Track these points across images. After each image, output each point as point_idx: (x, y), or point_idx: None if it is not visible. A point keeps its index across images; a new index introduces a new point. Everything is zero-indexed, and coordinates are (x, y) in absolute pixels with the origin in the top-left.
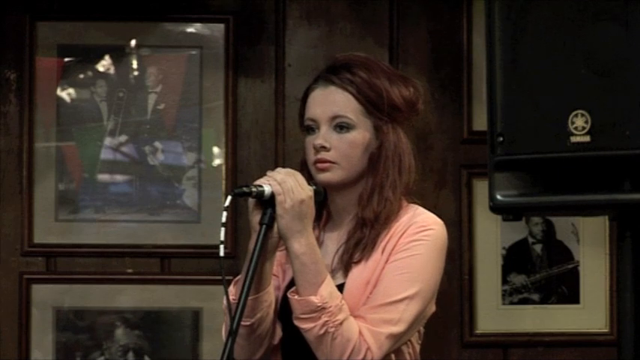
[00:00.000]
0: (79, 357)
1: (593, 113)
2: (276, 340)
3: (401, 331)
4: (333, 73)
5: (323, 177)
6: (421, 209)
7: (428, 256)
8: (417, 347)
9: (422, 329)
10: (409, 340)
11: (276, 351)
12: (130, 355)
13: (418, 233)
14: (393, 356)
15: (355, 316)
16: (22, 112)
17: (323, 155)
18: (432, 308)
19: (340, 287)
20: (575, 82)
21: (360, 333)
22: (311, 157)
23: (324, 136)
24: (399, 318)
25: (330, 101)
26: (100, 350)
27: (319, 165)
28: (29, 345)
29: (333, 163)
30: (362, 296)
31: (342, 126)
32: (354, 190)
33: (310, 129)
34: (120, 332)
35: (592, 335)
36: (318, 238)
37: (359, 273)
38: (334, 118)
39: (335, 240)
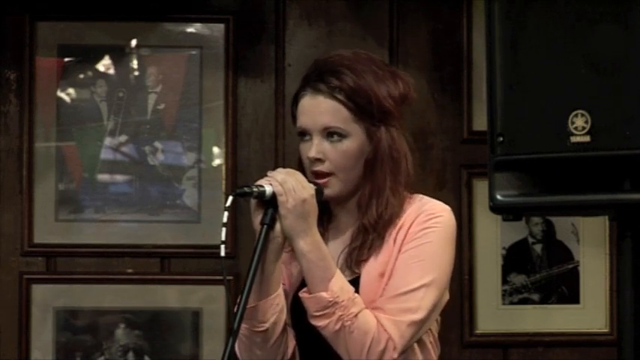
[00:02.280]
0: (79, 357)
1: (593, 113)
2: (290, 349)
3: (422, 318)
4: (320, 80)
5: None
6: (427, 198)
7: (440, 243)
8: (436, 335)
9: (439, 318)
10: (429, 329)
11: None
12: (130, 355)
13: (428, 221)
14: (415, 345)
15: (373, 308)
16: (22, 112)
17: (319, 168)
18: (446, 296)
19: (352, 282)
20: (575, 82)
21: (380, 324)
22: (307, 166)
23: (318, 147)
24: (419, 305)
25: (320, 111)
26: (100, 350)
27: (316, 180)
28: (29, 345)
29: (330, 174)
30: (378, 289)
31: (334, 135)
32: (354, 197)
33: (304, 134)
34: (120, 332)
35: (592, 335)
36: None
37: (371, 267)
38: (325, 128)
39: (340, 241)
